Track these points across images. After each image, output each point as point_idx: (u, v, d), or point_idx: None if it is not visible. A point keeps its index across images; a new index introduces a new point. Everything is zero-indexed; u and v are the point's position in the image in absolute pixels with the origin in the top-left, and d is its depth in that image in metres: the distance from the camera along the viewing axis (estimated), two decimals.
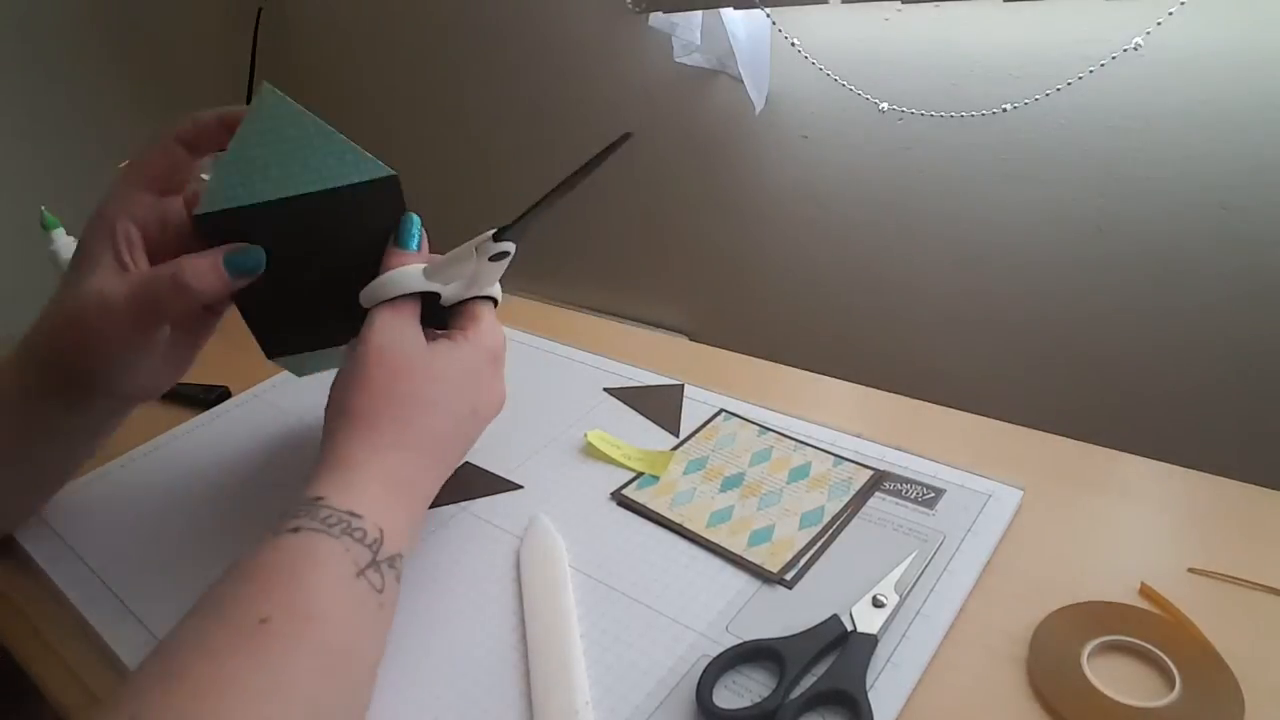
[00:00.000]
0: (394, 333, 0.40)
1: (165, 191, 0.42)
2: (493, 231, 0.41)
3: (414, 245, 0.43)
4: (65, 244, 0.67)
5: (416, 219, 0.44)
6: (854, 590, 0.39)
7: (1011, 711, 0.34)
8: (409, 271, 0.42)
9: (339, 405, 0.39)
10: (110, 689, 0.40)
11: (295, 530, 0.32)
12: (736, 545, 0.43)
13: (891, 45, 0.91)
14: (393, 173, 0.42)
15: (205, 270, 0.40)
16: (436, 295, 0.43)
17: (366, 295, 0.42)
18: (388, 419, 0.38)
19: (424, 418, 0.39)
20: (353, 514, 0.34)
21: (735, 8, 0.93)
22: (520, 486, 0.50)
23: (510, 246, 0.42)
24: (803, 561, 0.42)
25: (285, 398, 0.62)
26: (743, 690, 0.35)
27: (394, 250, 0.43)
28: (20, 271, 0.84)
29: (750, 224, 1.14)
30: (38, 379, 0.42)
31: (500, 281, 0.45)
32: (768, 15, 0.92)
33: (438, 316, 0.44)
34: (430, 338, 0.42)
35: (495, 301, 0.45)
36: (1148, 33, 0.74)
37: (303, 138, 0.41)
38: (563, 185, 0.40)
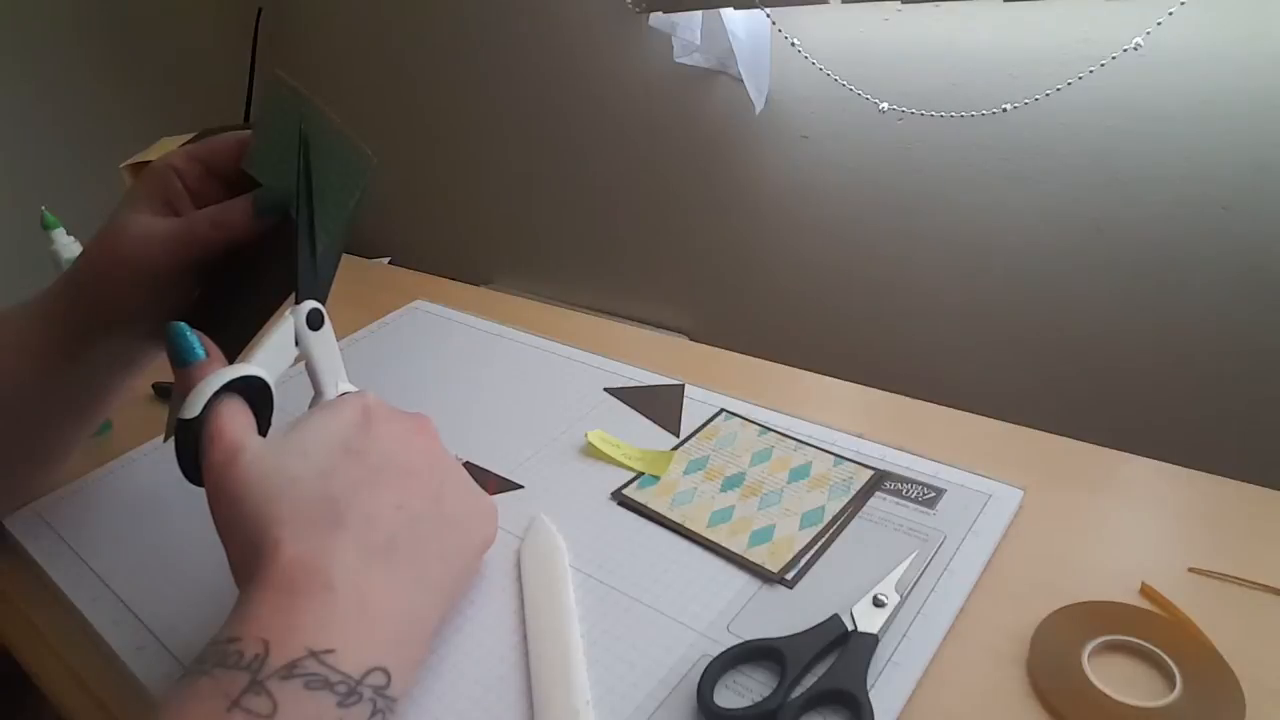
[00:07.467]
0: (222, 455, 0.34)
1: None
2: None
3: (199, 354, 0.37)
4: (65, 244, 0.67)
5: (182, 325, 0.38)
6: (855, 590, 0.39)
7: (1012, 711, 0.34)
8: (211, 378, 0.36)
9: None
10: (110, 689, 0.40)
11: (179, 680, 0.29)
12: (737, 545, 0.43)
13: (891, 45, 0.91)
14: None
15: (236, 209, 0.44)
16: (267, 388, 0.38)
17: (187, 410, 0.35)
18: (240, 546, 0.33)
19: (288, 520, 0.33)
20: (230, 639, 0.29)
21: (735, 8, 0.93)
22: (520, 486, 0.50)
23: (316, 305, 0.40)
24: (803, 561, 0.42)
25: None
26: (743, 690, 0.35)
27: (183, 372, 0.37)
28: (20, 271, 0.84)
29: (750, 224, 1.14)
30: (68, 303, 0.45)
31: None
32: (768, 15, 0.92)
33: None
34: None
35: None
36: (1148, 33, 0.74)
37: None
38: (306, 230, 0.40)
